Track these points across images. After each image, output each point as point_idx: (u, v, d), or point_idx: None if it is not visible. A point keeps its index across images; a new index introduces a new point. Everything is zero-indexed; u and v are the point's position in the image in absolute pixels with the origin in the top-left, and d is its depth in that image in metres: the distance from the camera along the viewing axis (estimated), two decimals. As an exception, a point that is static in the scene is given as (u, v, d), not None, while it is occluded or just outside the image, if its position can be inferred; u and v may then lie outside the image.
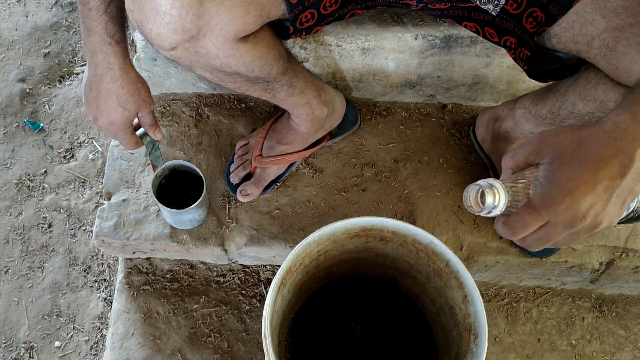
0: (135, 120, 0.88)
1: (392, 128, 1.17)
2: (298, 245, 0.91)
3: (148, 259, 1.19)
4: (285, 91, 0.94)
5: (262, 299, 1.17)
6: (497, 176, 1.07)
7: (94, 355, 1.20)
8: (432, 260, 0.97)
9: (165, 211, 1.00)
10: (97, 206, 1.34)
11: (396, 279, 1.14)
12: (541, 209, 0.53)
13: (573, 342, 1.13)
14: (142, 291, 1.17)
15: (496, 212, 0.57)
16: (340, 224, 0.94)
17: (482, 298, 1.16)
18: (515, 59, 0.82)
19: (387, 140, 1.16)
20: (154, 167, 0.97)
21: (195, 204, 0.97)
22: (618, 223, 0.70)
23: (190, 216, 1.02)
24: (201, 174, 0.99)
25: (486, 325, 0.86)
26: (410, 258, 1.02)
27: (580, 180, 0.52)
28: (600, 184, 0.52)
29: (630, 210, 0.66)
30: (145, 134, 0.91)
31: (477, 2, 0.77)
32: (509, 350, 1.13)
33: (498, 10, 0.76)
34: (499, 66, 1.07)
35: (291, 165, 1.12)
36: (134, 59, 1.11)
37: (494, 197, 0.57)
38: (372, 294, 1.18)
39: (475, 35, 0.88)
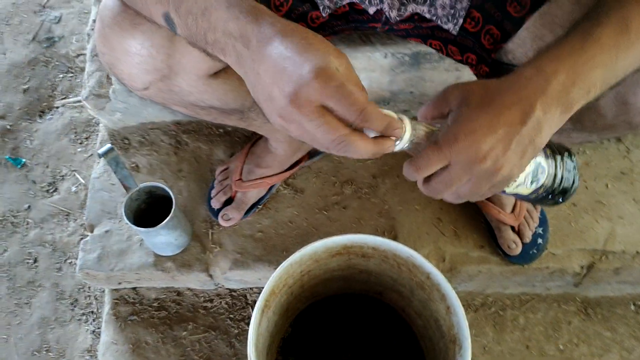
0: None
1: (369, 145, 1.18)
2: (279, 267, 0.92)
3: (134, 288, 1.19)
4: (261, 119, 0.95)
5: (250, 322, 1.17)
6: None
7: (85, 389, 1.20)
8: (413, 274, 0.98)
9: (139, 232, 1.00)
10: (81, 238, 1.34)
11: (382, 294, 1.14)
12: (443, 145, 0.55)
13: (561, 346, 1.14)
14: (129, 321, 1.17)
15: (399, 147, 0.58)
16: (321, 243, 0.94)
17: (469, 308, 1.18)
18: (476, 75, 0.83)
19: (364, 158, 1.17)
20: (126, 189, 0.98)
21: (164, 223, 0.97)
22: (533, 202, 0.72)
23: (164, 239, 1.02)
24: (171, 194, 0.99)
25: (469, 336, 0.87)
26: (392, 272, 1.03)
27: (482, 122, 0.54)
28: (501, 128, 0.54)
29: (540, 185, 0.68)
30: (109, 150, 0.91)
31: (438, 21, 0.79)
32: (498, 359, 1.13)
33: (458, 29, 0.78)
34: (470, 79, 1.09)
35: (271, 187, 1.13)
36: (110, 91, 1.12)
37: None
38: (359, 310, 1.19)
39: (441, 51, 0.90)
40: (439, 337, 1.02)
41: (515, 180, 0.67)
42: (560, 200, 0.73)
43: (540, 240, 1.06)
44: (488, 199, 1.05)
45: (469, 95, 0.56)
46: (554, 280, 1.13)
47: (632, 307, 1.18)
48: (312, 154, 1.16)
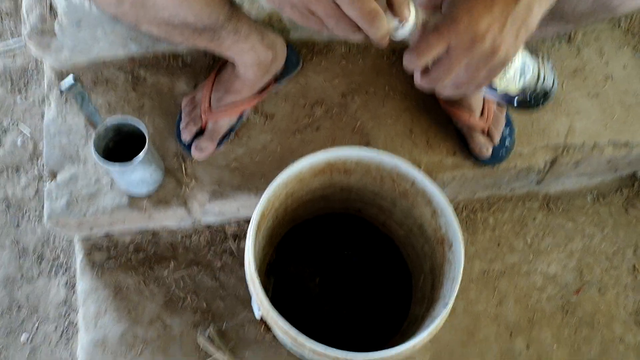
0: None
1: (334, 64, 1.17)
2: (268, 187, 0.91)
3: (106, 234, 1.15)
4: (231, 38, 0.92)
5: (232, 254, 1.16)
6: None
7: (67, 340, 1.16)
8: (397, 184, 1.00)
9: (112, 171, 0.96)
10: (37, 192, 1.27)
11: (361, 210, 1.17)
12: (442, 28, 0.57)
13: (528, 240, 1.22)
14: (106, 267, 1.13)
15: (403, 31, 0.60)
16: (306, 160, 0.94)
17: (456, 217, 1.22)
18: None
19: (331, 77, 1.16)
20: (93, 126, 0.92)
21: (140, 155, 0.93)
22: (516, 106, 0.76)
23: (139, 175, 0.98)
24: (142, 126, 0.95)
25: (460, 233, 0.91)
26: (374, 186, 1.05)
27: (478, 3, 0.57)
28: (496, 7, 0.57)
29: (526, 83, 0.72)
30: (73, 85, 0.86)
31: None
32: (473, 259, 1.19)
33: None
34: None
35: (242, 115, 1.10)
36: (55, 26, 1.04)
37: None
38: (338, 229, 1.21)
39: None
40: (423, 242, 1.05)
41: (505, 75, 0.70)
42: (541, 102, 0.77)
43: (507, 142, 1.11)
44: (458, 105, 1.08)
45: None
46: (519, 180, 1.19)
47: (589, 198, 1.27)
48: (278, 77, 1.13)
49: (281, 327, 0.83)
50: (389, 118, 1.14)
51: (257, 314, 0.90)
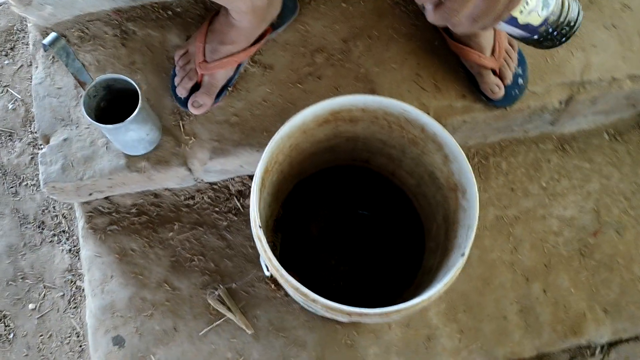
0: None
1: (334, 8, 1.10)
2: (271, 140, 0.87)
3: (107, 198, 1.11)
4: None
5: (237, 213, 1.13)
6: (450, 36, 1.05)
7: (74, 307, 1.14)
8: (406, 130, 0.95)
9: (106, 131, 0.91)
10: (32, 158, 1.23)
11: (369, 161, 1.12)
12: None
13: (544, 184, 1.17)
14: (109, 232, 1.10)
15: None
16: (309, 110, 0.89)
17: (468, 162, 1.18)
18: None
19: (331, 22, 1.10)
20: (82, 84, 0.87)
21: (133, 115, 0.88)
22: (539, 40, 0.70)
23: (135, 135, 0.93)
24: (133, 83, 0.90)
25: (474, 179, 0.86)
26: (382, 134, 1.00)
27: None
28: None
29: (550, 12, 0.66)
30: (56, 39, 0.81)
31: None
32: (487, 205, 1.15)
33: None
34: None
35: (239, 66, 1.04)
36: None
37: None
38: (346, 182, 1.17)
39: None
40: (435, 190, 1.01)
41: (528, 4, 0.64)
42: (565, 35, 0.71)
43: (520, 80, 1.05)
44: (467, 45, 1.01)
45: None
46: (533, 121, 1.14)
47: (606, 136, 1.22)
48: (275, 25, 1.07)
49: (291, 284, 0.80)
50: (394, 63, 1.08)
51: (267, 272, 0.87)
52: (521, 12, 0.64)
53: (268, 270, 0.85)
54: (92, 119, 0.90)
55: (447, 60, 1.07)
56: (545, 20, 0.67)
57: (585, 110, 1.14)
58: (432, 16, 0.57)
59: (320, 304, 0.81)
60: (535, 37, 0.69)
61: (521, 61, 1.06)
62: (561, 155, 1.20)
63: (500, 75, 1.03)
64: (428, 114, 1.06)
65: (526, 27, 0.66)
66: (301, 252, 1.14)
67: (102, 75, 0.90)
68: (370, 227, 1.16)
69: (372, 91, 1.06)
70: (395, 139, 0.99)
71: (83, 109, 0.89)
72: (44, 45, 0.82)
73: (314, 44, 1.08)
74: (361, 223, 1.17)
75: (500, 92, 1.03)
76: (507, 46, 1.04)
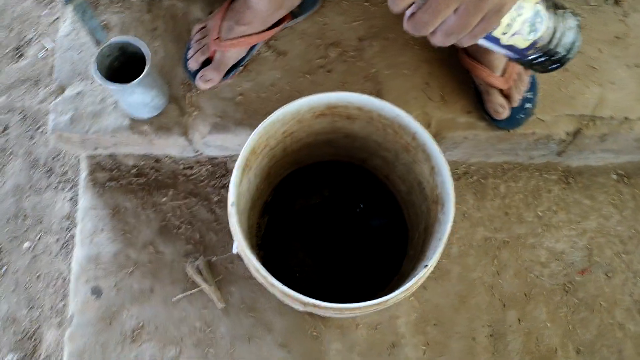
0: None
1: (356, 5, 1.11)
2: (261, 124, 0.89)
3: (111, 155, 1.16)
4: None
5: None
6: (464, 50, 1.04)
7: (66, 254, 1.20)
8: (399, 135, 0.96)
9: (112, 90, 0.95)
10: (53, 106, 1.28)
11: (365, 160, 1.13)
12: None
13: (540, 213, 1.16)
14: (107, 187, 1.15)
15: None
16: (304, 100, 0.91)
17: (451, 176, 1.17)
18: None
19: (351, 19, 1.11)
20: (97, 43, 0.91)
21: (138, 79, 0.92)
22: (529, 63, 0.69)
23: (140, 98, 0.97)
24: (145, 48, 0.93)
25: (453, 193, 0.86)
26: (378, 136, 1.00)
27: None
28: None
29: (538, 37, 0.65)
30: None
31: None
32: (477, 225, 1.14)
33: None
34: None
35: (252, 48, 1.07)
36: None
37: None
38: (342, 178, 1.18)
39: None
40: (421, 200, 1.01)
41: (511, 27, 0.63)
42: (559, 61, 0.70)
43: (528, 105, 1.04)
44: (478, 61, 1.01)
45: None
46: (538, 149, 1.12)
47: (614, 176, 1.19)
48: (296, 13, 1.09)
49: (253, 264, 0.82)
50: (406, 68, 1.08)
51: (234, 249, 0.89)
52: (504, 33, 0.63)
53: (237, 246, 0.87)
54: (103, 77, 0.94)
55: (459, 74, 1.07)
56: (533, 45, 0.66)
57: (594, 147, 1.11)
58: (405, 25, 0.57)
59: (278, 290, 0.83)
60: (524, 59, 0.69)
61: (532, 86, 1.04)
62: (563, 187, 1.18)
63: (507, 96, 1.02)
64: (430, 124, 1.07)
65: (511, 48, 0.66)
66: (287, 238, 1.16)
67: (117, 37, 0.94)
68: (360, 227, 1.17)
69: (379, 93, 1.07)
70: (390, 142, 1.00)
71: (93, 66, 0.93)
72: (64, 0, 0.86)
73: (330, 37, 1.10)
74: (352, 221, 1.18)
75: (504, 113, 1.02)
76: (520, 69, 1.03)
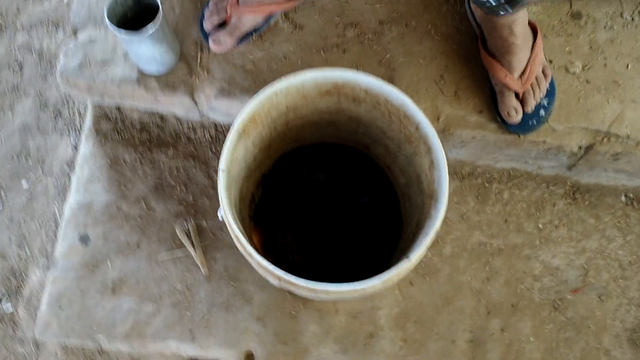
0: None
1: (381, -13, 1.09)
2: (261, 92, 0.87)
3: (118, 107, 1.16)
4: None
5: (231, 157, 1.14)
6: (485, 46, 1.01)
7: (62, 198, 1.20)
8: (403, 125, 0.93)
9: (121, 38, 0.94)
10: (70, 51, 1.29)
11: (369, 147, 1.11)
12: None
13: (540, 225, 1.12)
14: (109, 138, 1.15)
15: None
16: (309, 74, 0.89)
17: (455, 176, 1.15)
18: None
19: (374, 1, 1.08)
20: None
21: (146, 29, 0.91)
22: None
23: (148, 51, 0.96)
24: (159, 4, 0.92)
25: (447, 190, 0.84)
26: (382, 123, 0.98)
27: None
28: None
29: None
30: None
31: None
32: (474, 228, 1.12)
33: None
34: None
35: (270, 17, 1.05)
36: None
37: None
38: (344, 162, 1.16)
39: None
40: (418, 194, 0.99)
41: None
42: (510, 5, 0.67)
43: (542, 112, 1.00)
44: (498, 60, 0.98)
45: None
46: (548, 159, 1.09)
47: (623, 199, 1.15)
48: (319, -13, 1.06)
49: (233, 231, 0.81)
50: (422, 58, 1.05)
51: (219, 215, 0.88)
52: None
53: (221, 212, 0.86)
54: (113, 24, 0.93)
55: (477, 72, 1.04)
56: None
57: (606, 165, 1.07)
58: None
59: (255, 261, 0.82)
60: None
61: (550, 93, 1.01)
62: (569, 202, 1.14)
63: (522, 100, 0.99)
64: (439, 118, 1.04)
65: None
66: (281, 213, 1.15)
67: (133, -14, 0.93)
68: (358, 212, 1.15)
69: (391, 79, 1.04)
70: (394, 131, 0.98)
71: (105, 11, 0.92)
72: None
73: (350, 17, 1.07)
74: (351, 204, 1.16)
75: (516, 118, 0.99)
76: (540, 74, 0.99)
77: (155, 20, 0.91)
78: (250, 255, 0.81)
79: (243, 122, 0.87)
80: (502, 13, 0.76)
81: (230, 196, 0.88)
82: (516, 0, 0.68)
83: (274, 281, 0.83)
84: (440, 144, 0.85)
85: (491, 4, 0.68)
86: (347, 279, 1.09)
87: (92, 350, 1.12)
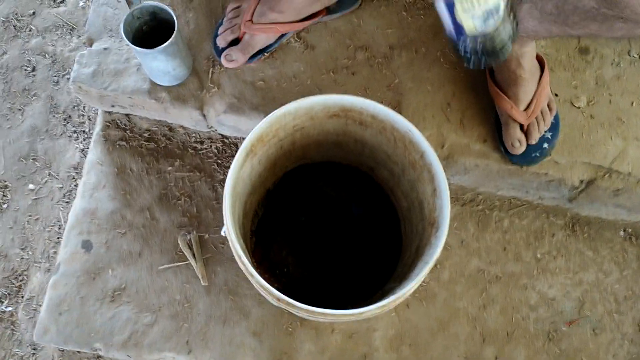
0: None
1: (393, 13, 1.10)
2: (271, 114, 0.89)
3: (127, 115, 1.17)
4: None
5: (236, 171, 1.15)
6: (492, 77, 1.02)
7: (67, 202, 1.22)
8: (408, 151, 0.94)
9: (135, 52, 0.95)
10: (83, 57, 1.30)
11: (374, 170, 1.12)
12: None
13: (538, 255, 1.13)
14: (117, 146, 1.16)
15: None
16: (319, 98, 0.90)
17: (457, 201, 1.16)
18: None
19: (386, 25, 1.09)
20: (129, 3, 0.92)
21: (162, 46, 0.92)
22: (461, 51, 0.69)
23: (162, 65, 0.97)
24: (174, 17, 0.93)
25: (448, 218, 0.85)
26: (388, 147, 0.99)
27: None
28: None
29: (487, 30, 0.66)
30: None
31: None
32: (472, 255, 1.13)
33: None
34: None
35: (282, 36, 1.06)
36: None
37: None
38: (348, 183, 1.17)
39: None
40: (419, 219, 1.00)
41: (473, 7, 0.64)
42: (485, 59, 0.70)
43: (546, 145, 1.01)
44: (504, 91, 0.99)
45: None
46: (550, 191, 1.10)
47: (622, 234, 1.16)
48: (332, 10, 1.08)
49: (235, 249, 0.82)
50: (430, 85, 1.06)
51: (223, 231, 0.89)
52: (462, 9, 0.63)
53: (225, 228, 0.87)
54: (130, 39, 0.94)
55: (483, 101, 1.05)
56: (479, 35, 0.66)
57: (606, 200, 1.09)
58: None
59: (255, 280, 0.83)
60: (458, 44, 0.69)
61: (554, 127, 1.02)
62: (568, 234, 1.15)
63: (526, 132, 1.00)
64: (443, 145, 1.05)
65: (457, 28, 0.66)
66: (283, 230, 1.16)
67: (150, 2, 0.95)
68: (359, 233, 1.16)
69: (399, 103, 1.06)
70: (399, 156, 0.99)
71: (122, 25, 0.94)
72: (102, -45, 0.87)
73: (361, 40, 1.09)
74: (352, 225, 1.17)
75: (519, 149, 1.00)
76: (545, 107, 1.01)
77: (171, 38, 0.93)
78: (251, 275, 0.82)
79: (251, 142, 0.88)
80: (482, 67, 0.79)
81: (235, 214, 0.89)
82: (492, 55, 0.70)
83: (273, 301, 0.84)
84: (444, 174, 0.87)
85: (469, 60, 0.71)
86: (345, 297, 1.10)
87: (89, 356, 1.13)
